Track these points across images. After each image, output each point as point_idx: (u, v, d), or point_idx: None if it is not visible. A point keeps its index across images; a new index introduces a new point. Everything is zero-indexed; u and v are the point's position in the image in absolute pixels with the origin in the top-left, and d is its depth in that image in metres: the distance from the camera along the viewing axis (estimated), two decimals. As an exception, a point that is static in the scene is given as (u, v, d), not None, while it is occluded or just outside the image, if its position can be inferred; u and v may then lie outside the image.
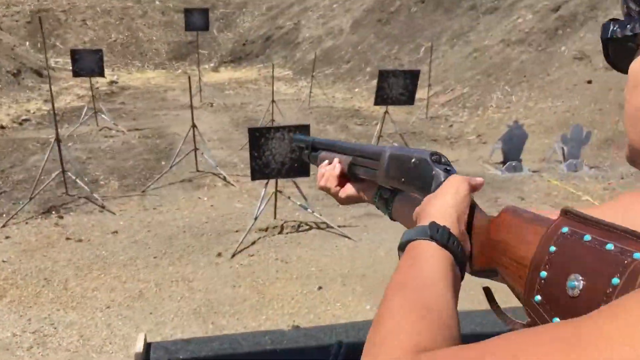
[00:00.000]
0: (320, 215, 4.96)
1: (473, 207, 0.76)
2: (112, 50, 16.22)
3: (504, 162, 6.71)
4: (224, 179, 6.14)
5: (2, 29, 14.91)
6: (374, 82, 10.33)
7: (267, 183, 4.77)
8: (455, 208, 0.73)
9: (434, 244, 0.67)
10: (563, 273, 0.55)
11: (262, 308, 3.68)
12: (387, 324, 0.58)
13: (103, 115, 8.75)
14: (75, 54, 8.01)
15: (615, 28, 0.63)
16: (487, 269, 0.72)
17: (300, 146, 1.32)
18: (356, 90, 12.18)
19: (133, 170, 6.53)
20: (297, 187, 4.93)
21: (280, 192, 4.93)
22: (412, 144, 7.64)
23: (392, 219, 1.05)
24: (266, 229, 4.87)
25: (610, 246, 0.52)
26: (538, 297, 0.58)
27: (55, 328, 3.44)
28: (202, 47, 15.91)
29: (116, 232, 4.80)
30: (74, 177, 5.49)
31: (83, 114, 8.55)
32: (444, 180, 0.82)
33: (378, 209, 1.10)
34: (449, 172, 0.86)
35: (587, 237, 0.55)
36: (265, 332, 1.87)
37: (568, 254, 0.56)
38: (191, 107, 5.77)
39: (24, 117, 9.22)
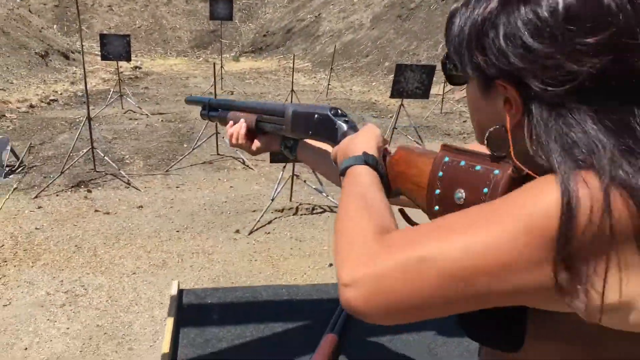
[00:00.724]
0: (334, 199, 5.21)
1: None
2: (136, 37, 16.54)
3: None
4: (243, 162, 6.40)
5: (31, 11, 15.28)
6: (391, 76, 10.53)
7: (284, 167, 5.03)
8: (374, 143, 0.94)
9: (366, 166, 0.88)
10: (450, 189, 0.78)
11: (275, 280, 3.94)
12: (349, 224, 0.74)
13: (128, 99, 9.06)
14: (103, 39, 8.30)
15: (450, 66, 0.79)
16: (395, 192, 0.94)
17: (201, 108, 1.44)
18: (373, 84, 12.39)
19: (157, 151, 6.82)
20: (314, 171, 5.18)
21: (297, 176, 5.18)
22: (426, 138, 7.85)
23: (296, 160, 1.26)
24: (282, 210, 5.12)
25: (478, 167, 0.75)
26: (437, 207, 0.81)
27: (85, 289, 3.72)
28: (224, 37, 16.18)
29: (141, 206, 5.08)
30: (102, 155, 5.79)
31: (109, 96, 8.86)
32: (347, 130, 1.03)
33: (283, 155, 1.28)
34: (347, 122, 1.05)
35: (463, 163, 0.78)
36: (283, 286, 2.12)
37: (451, 176, 0.79)
38: (215, 93, 6.03)
39: (51, 98, 9.55)
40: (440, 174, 0.81)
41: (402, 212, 0.94)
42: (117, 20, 17.54)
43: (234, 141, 1.30)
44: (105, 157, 5.79)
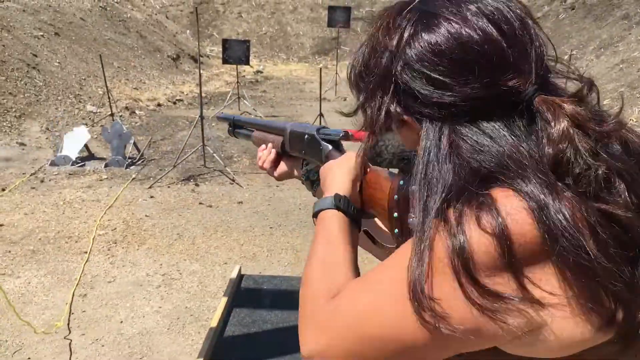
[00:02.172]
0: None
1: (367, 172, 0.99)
2: (262, 42, 17.30)
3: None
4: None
5: (168, 17, 16.51)
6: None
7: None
8: (349, 178, 0.97)
9: (336, 211, 0.90)
10: (406, 213, 0.82)
11: (357, 282, 4.01)
12: (308, 278, 0.80)
13: (245, 101, 9.54)
14: (225, 43, 8.82)
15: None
16: (371, 214, 0.98)
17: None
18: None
19: (264, 152, 7.14)
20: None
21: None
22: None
23: (314, 195, 1.21)
24: (374, 215, 5.18)
25: None
26: (396, 230, 0.85)
27: (180, 274, 4.02)
28: (344, 44, 16.48)
29: (241, 202, 5.37)
30: (212, 152, 6.18)
31: (227, 98, 9.38)
32: (330, 151, 1.06)
33: (304, 184, 1.25)
34: (334, 142, 1.06)
35: (414, 187, 0.80)
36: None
37: (405, 200, 0.83)
38: (320, 95, 6.21)
39: (177, 98, 10.29)
40: (396, 197, 0.85)
41: (365, 232, 0.97)
42: (246, 26, 18.44)
43: (261, 164, 1.31)
44: (214, 154, 6.17)
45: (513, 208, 0.60)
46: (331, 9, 11.21)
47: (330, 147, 1.10)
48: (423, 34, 0.68)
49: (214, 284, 3.90)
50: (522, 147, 0.64)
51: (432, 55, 0.67)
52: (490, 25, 0.66)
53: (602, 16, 12.49)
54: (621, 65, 10.55)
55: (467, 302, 0.60)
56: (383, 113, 0.74)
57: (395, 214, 0.86)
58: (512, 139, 0.64)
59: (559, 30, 13.16)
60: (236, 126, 1.47)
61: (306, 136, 1.15)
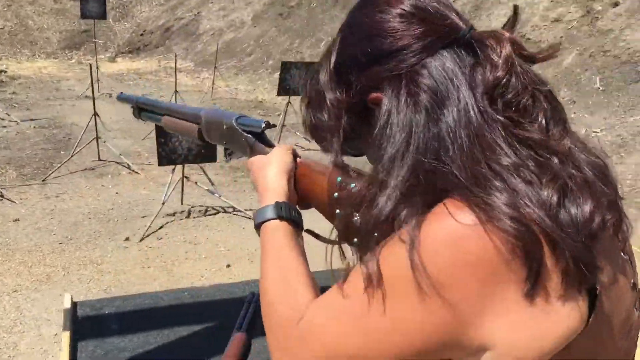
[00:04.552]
0: (228, 199, 5.14)
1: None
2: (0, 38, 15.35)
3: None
4: (128, 167, 6.14)
5: None
6: (276, 74, 10.52)
7: (174, 169, 4.87)
8: (284, 175, 0.93)
9: (279, 222, 0.87)
10: (348, 209, 0.78)
11: (172, 285, 3.81)
12: (269, 309, 0.78)
13: (-6, 105, 8.37)
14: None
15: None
16: (306, 205, 0.95)
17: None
18: (259, 82, 12.36)
19: (31, 160, 6.36)
20: (204, 172, 5.07)
21: (187, 178, 5.04)
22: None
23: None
24: (173, 214, 4.97)
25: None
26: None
27: (-41, 313, 3.40)
28: (97, 37, 15.40)
29: (17, 219, 4.71)
30: (-32, 166, 5.31)
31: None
32: (254, 144, 1.01)
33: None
34: (257, 133, 1.01)
35: (352, 185, 0.80)
36: (185, 289, 2.06)
37: (346, 197, 0.81)
38: (92, 95, 5.73)
39: None
40: (336, 194, 0.83)
41: (308, 231, 0.94)
42: (-24, 20, 16.17)
43: None
44: (-28, 169, 5.31)
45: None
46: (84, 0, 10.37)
47: (253, 139, 1.02)
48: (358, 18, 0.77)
49: (6, 317, 3.37)
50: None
51: (379, 13, 0.73)
52: None
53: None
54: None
55: (432, 316, 0.60)
56: (344, 105, 0.77)
57: (338, 211, 0.83)
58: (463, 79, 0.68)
59: (313, 19, 13.99)
60: (141, 109, 1.32)
61: (224, 126, 1.06)
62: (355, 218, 0.75)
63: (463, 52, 0.70)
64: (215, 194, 5.10)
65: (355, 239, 0.71)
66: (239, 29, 15.46)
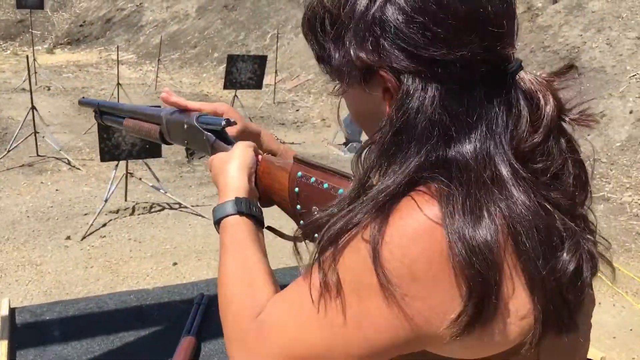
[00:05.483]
0: (173, 195, 5.03)
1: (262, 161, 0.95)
2: None
3: (346, 144, 7.20)
4: (69, 163, 5.93)
5: None
6: (222, 67, 10.39)
7: (117, 165, 4.73)
8: (244, 172, 0.91)
9: (239, 217, 0.85)
10: (308, 206, 0.80)
11: (116, 286, 3.71)
12: (229, 306, 0.76)
13: None
14: None
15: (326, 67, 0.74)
16: (268, 202, 0.94)
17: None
18: (204, 75, 12.16)
19: (-37, 156, 6.07)
20: (149, 168, 4.94)
21: (131, 174, 4.91)
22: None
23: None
24: (117, 211, 4.83)
25: (326, 185, 0.77)
26: (302, 222, 0.82)
27: None
28: (34, 27, 14.80)
29: (-51, 220, 4.49)
30: None
31: None
32: (215, 142, 0.99)
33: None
34: (216, 132, 1.00)
35: (313, 180, 0.80)
36: (131, 292, 1.99)
37: (306, 193, 0.81)
38: (30, 88, 5.49)
39: None
40: (297, 189, 0.83)
41: (269, 228, 0.93)
42: None
43: None
44: None
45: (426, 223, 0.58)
46: (19, -12, 9.92)
47: (214, 137, 1.00)
48: None
49: (-63, 324, 3.19)
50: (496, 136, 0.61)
51: (435, 5, 0.59)
52: None
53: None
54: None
55: (396, 312, 0.59)
56: (350, 61, 0.65)
57: (298, 206, 0.84)
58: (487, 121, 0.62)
59: (258, 11, 13.86)
60: (103, 112, 1.28)
61: (185, 125, 1.04)
62: (316, 213, 0.74)
63: (500, 87, 0.63)
64: (161, 190, 4.98)
65: (316, 234, 0.68)
66: (183, 21, 15.16)
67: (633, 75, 7.06)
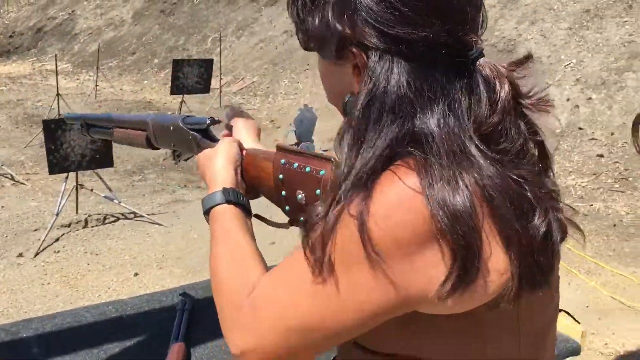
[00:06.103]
0: (127, 204, 4.91)
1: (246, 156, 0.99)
2: None
3: (297, 144, 7.19)
4: (12, 178, 5.69)
5: None
6: (164, 73, 10.23)
7: (67, 177, 4.57)
8: (230, 165, 0.95)
9: (228, 205, 0.88)
10: (292, 190, 0.84)
11: (77, 301, 3.59)
12: (222, 287, 0.79)
13: None
14: None
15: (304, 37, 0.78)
16: (254, 194, 0.98)
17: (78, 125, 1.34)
18: (145, 82, 11.91)
19: None
20: (100, 178, 4.80)
21: (82, 185, 4.76)
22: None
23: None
24: (69, 225, 4.67)
25: (308, 169, 0.81)
26: (287, 207, 0.88)
27: None
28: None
29: None
30: None
31: None
32: (200, 140, 1.03)
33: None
34: (202, 130, 1.04)
35: (295, 165, 0.84)
36: (109, 303, 1.94)
37: (290, 178, 0.85)
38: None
39: None
40: (281, 176, 0.87)
41: (257, 216, 0.96)
42: None
43: None
44: None
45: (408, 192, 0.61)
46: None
47: (199, 135, 1.03)
48: None
49: None
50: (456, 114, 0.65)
51: None
52: None
53: (233, 1, 13.41)
54: (261, 45, 11.56)
55: (385, 280, 0.62)
56: (328, 29, 0.70)
57: (283, 192, 0.87)
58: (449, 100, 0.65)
59: (197, 15, 13.69)
60: (89, 125, 1.27)
61: (171, 127, 1.07)
62: (300, 196, 0.79)
63: (461, 71, 0.66)
64: (115, 200, 4.85)
65: (302, 218, 0.71)
66: (119, 28, 14.81)
67: (567, 64, 7.37)
